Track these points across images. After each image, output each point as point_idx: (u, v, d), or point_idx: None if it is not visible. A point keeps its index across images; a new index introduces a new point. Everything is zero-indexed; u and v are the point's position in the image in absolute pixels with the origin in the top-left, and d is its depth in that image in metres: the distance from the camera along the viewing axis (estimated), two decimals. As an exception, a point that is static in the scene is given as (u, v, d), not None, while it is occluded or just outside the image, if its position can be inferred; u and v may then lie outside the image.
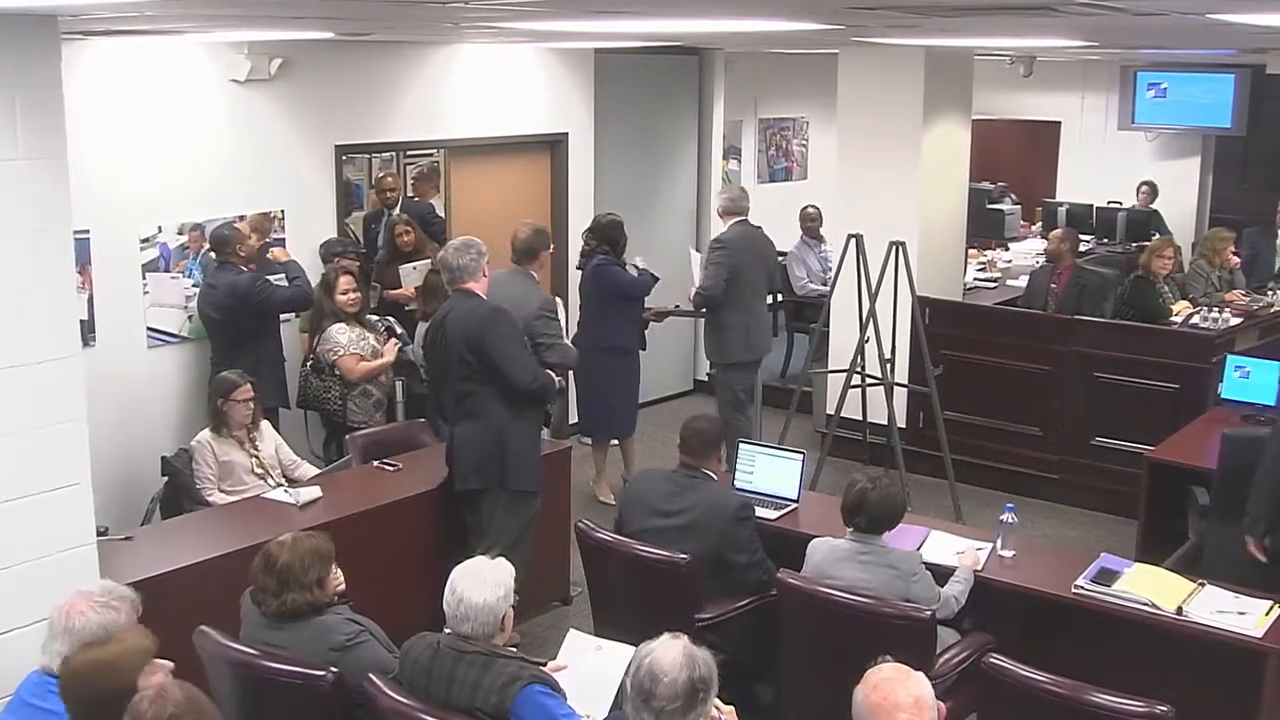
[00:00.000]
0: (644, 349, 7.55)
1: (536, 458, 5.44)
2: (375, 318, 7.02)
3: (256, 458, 5.69)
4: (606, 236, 7.31)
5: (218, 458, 5.60)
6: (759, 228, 7.40)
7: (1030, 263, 9.95)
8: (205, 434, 5.66)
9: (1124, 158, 12.14)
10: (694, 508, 4.75)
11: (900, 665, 2.91)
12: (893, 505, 4.42)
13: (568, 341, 6.67)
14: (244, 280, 6.39)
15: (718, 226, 9.72)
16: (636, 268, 7.38)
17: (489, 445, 5.26)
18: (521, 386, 5.22)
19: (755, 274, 7.29)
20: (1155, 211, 11.51)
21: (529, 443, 5.39)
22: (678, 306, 7.65)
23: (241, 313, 6.39)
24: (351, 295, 6.66)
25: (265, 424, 5.85)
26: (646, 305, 7.47)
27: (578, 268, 7.64)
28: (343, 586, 3.88)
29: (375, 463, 5.76)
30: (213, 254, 6.56)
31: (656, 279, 7.44)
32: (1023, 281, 8.99)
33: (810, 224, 9.81)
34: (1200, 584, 4.40)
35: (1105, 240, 11.43)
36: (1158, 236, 10.57)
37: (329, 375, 6.60)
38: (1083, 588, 4.43)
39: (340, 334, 6.59)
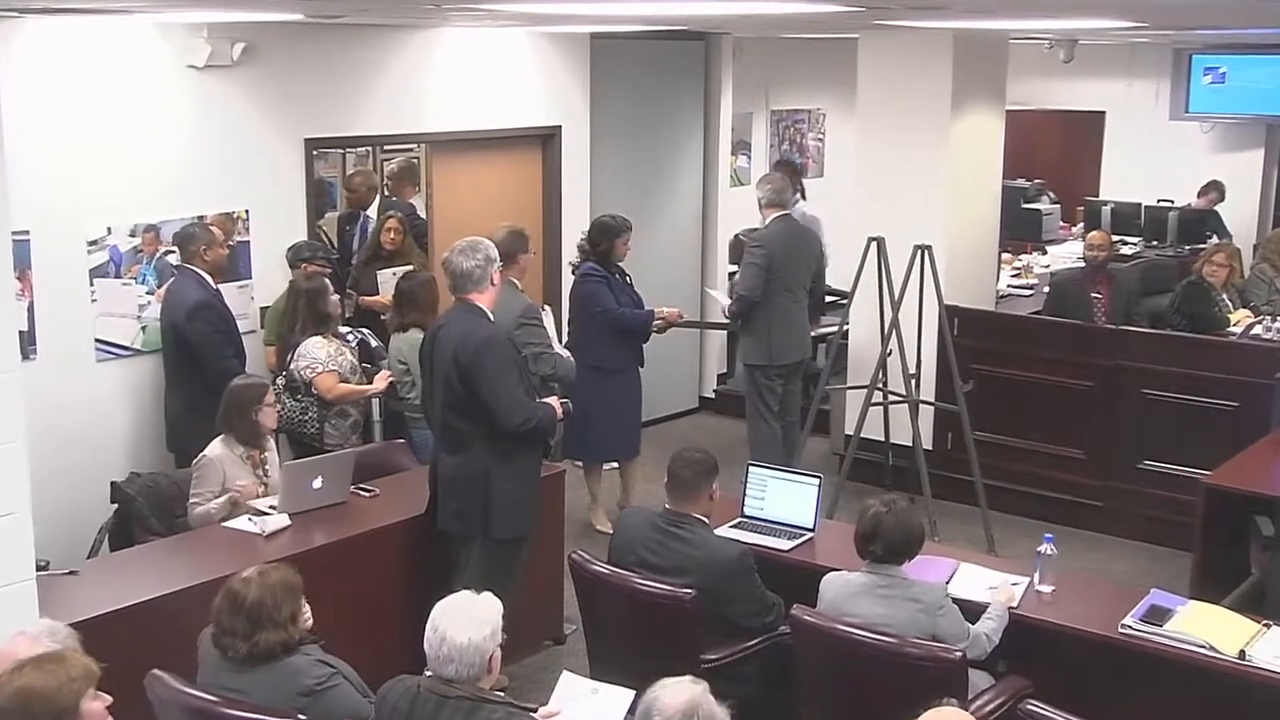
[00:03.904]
0: (641, 365, 7.50)
1: (528, 503, 5.33)
2: (348, 330, 6.99)
3: (265, 485, 5.58)
4: (591, 239, 7.33)
5: (225, 481, 5.45)
6: (805, 220, 7.61)
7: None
8: (218, 448, 5.51)
9: (1177, 151, 12.08)
10: (684, 563, 4.69)
11: (961, 711, 2.98)
12: (911, 531, 4.41)
13: (561, 350, 6.67)
14: (193, 298, 6.34)
15: (724, 230, 9.85)
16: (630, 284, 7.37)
17: (473, 490, 5.19)
18: (510, 428, 5.10)
19: (791, 274, 7.43)
20: (1214, 211, 11.42)
21: (518, 489, 5.26)
22: (683, 316, 7.65)
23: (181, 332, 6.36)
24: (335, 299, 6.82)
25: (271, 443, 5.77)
26: (659, 315, 7.41)
27: (571, 272, 7.63)
28: (310, 624, 3.87)
29: (350, 488, 5.74)
30: (171, 255, 6.57)
31: (650, 313, 7.36)
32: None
33: None
34: (1265, 625, 4.38)
35: (1155, 242, 11.39)
36: (1214, 239, 10.53)
37: (305, 395, 6.49)
38: (1131, 628, 4.41)
39: (318, 348, 6.49)
